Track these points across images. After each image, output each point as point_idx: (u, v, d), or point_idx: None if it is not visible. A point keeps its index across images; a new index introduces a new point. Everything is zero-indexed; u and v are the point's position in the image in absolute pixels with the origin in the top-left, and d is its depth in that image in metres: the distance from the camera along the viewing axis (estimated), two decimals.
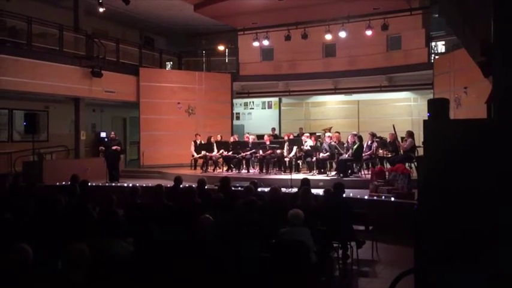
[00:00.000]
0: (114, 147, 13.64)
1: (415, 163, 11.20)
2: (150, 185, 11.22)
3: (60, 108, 16.87)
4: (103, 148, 14.07)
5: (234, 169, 14.26)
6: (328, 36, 16.96)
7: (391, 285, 3.39)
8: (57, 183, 12.01)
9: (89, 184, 9.31)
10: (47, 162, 14.65)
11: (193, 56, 20.68)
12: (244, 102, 21.91)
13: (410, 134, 12.02)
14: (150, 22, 18.94)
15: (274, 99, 21.39)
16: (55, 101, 16.51)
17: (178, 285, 3.84)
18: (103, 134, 18.12)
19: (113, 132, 14.44)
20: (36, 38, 14.40)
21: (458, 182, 2.87)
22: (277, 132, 18.55)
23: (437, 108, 3.36)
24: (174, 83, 17.86)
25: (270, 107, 21.72)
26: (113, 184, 13.03)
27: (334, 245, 6.76)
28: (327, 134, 13.80)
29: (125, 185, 12.37)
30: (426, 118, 3.48)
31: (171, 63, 20.18)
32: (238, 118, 21.56)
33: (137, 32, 20.06)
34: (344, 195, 7.80)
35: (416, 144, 11.78)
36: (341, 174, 12.07)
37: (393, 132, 12.03)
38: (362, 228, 7.26)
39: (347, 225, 6.76)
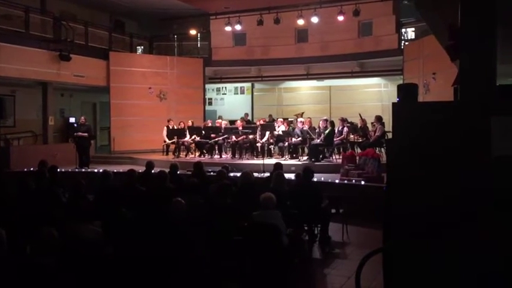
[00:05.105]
0: (80, 134, 13.30)
1: (385, 147, 11.44)
2: (121, 170, 11.09)
3: (27, 93, 16.41)
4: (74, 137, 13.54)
5: (206, 154, 14.23)
6: (301, 22, 16.96)
7: (360, 264, 3.49)
8: (25, 169, 11.75)
9: (58, 170, 9.14)
10: (14, 148, 14.30)
11: (164, 40, 20.37)
12: (217, 88, 21.78)
13: (379, 119, 12.26)
14: (120, 5, 18.51)
15: (247, 85, 21.33)
16: (22, 85, 16.04)
17: (150, 268, 3.85)
18: (72, 120, 17.77)
19: (82, 117, 14.09)
20: (1, 20, 13.92)
21: (426, 162, 2.94)
22: (249, 117, 18.59)
23: (406, 93, 3.41)
24: (145, 68, 17.60)
25: (242, 92, 21.65)
26: (83, 170, 12.82)
27: (306, 227, 6.89)
28: (299, 119, 13.89)
29: (96, 170, 12.20)
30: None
31: (142, 47, 19.84)
32: (210, 103, 21.44)
33: (107, 15, 19.57)
34: (315, 179, 7.91)
35: (386, 129, 12.02)
36: (313, 159, 12.20)
37: (361, 118, 12.51)
38: (333, 211, 7.40)
39: (317, 208, 6.87)
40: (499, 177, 2.73)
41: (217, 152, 14.26)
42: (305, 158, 12.83)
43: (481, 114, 2.72)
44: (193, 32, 19.62)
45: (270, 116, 17.70)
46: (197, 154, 14.56)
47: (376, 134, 12.02)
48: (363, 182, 9.56)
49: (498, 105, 2.78)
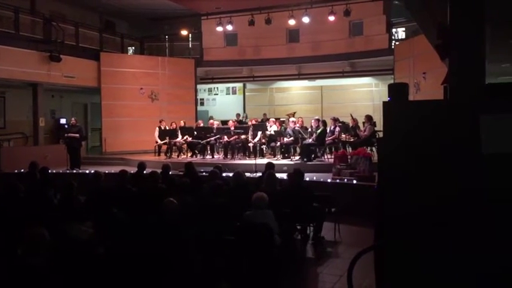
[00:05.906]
0: (71, 135, 13.24)
1: (376, 146, 11.50)
2: (113, 171, 11.05)
3: (17, 94, 16.30)
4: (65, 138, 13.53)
5: (198, 155, 14.21)
6: (292, 22, 16.99)
7: (352, 262, 3.49)
8: (16, 171, 11.67)
9: (49, 171, 9.10)
10: (5, 149, 14.19)
11: (155, 40, 20.31)
12: (208, 88, 21.77)
13: (369, 119, 12.34)
14: (111, 5, 18.44)
15: (239, 85, 21.34)
16: (12, 86, 15.93)
17: (141, 268, 3.84)
18: (63, 121, 17.65)
19: (73, 118, 14.03)
20: None
21: (416, 161, 2.96)
22: (242, 118, 18.58)
23: (397, 92, 3.42)
24: (137, 68, 17.55)
25: (234, 92, 21.65)
26: (74, 171, 12.75)
27: (298, 227, 6.91)
28: (291, 119, 13.92)
29: (87, 171, 12.14)
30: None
31: (133, 48, 19.76)
32: (202, 104, 21.41)
33: (97, 15, 19.49)
34: (307, 179, 7.93)
35: (378, 128, 12.11)
36: (305, 159, 12.22)
37: (353, 118, 12.63)
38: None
39: (309, 207, 6.90)
40: (489, 175, 2.76)
41: (209, 152, 14.25)
42: (297, 157, 12.85)
43: (471, 112, 2.75)
44: (184, 32, 19.58)
45: (265, 114, 17.77)
46: (189, 154, 14.54)
47: (365, 133, 12.09)
48: (354, 181, 9.60)
49: (487, 103, 2.81)
